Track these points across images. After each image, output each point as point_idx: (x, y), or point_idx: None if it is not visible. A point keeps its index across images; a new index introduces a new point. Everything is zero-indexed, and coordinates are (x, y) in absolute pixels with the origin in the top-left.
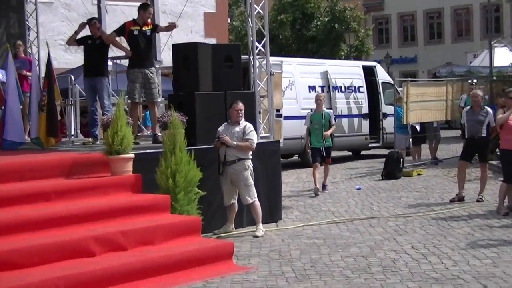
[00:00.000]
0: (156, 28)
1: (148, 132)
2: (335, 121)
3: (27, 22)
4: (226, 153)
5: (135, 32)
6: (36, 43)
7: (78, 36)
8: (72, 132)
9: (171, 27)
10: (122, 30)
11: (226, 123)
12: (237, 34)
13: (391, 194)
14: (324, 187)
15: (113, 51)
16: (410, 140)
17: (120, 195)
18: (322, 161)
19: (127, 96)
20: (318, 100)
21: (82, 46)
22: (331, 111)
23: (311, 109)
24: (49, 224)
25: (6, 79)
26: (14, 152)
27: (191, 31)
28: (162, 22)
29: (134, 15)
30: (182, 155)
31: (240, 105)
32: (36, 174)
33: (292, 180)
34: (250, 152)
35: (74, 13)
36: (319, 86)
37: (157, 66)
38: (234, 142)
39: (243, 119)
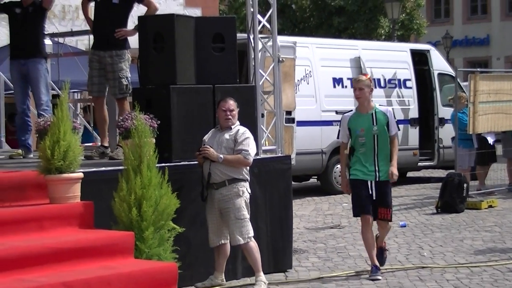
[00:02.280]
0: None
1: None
2: (399, 128)
3: None
4: (211, 171)
5: None
6: None
7: None
8: None
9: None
10: None
11: (214, 129)
12: (231, 3)
13: (450, 234)
14: (382, 252)
15: (54, 26)
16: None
17: (63, 231)
18: (376, 212)
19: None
20: (358, 89)
21: (6, 16)
22: (390, 109)
23: (351, 110)
24: None
25: None
26: None
27: None
28: None
29: None
30: (151, 175)
31: (231, 103)
32: None
33: (308, 213)
34: (246, 170)
35: None
36: (348, 78)
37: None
38: (221, 155)
39: (237, 122)
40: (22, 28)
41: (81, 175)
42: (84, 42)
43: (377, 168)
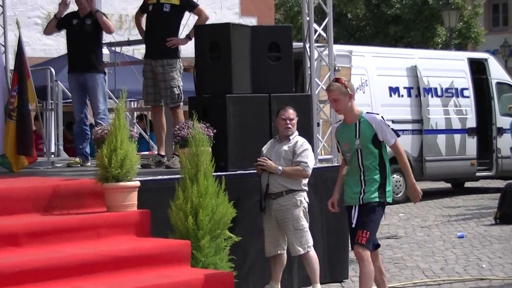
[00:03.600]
0: (186, 5)
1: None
2: (398, 134)
3: None
4: (270, 182)
5: (150, 8)
6: (2, 21)
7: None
8: (52, 149)
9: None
10: (144, 6)
11: (272, 139)
12: (286, 12)
13: (509, 245)
14: None
15: (112, 36)
16: None
17: (120, 239)
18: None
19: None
20: (333, 100)
21: (64, 30)
22: (378, 117)
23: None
24: (18, 279)
25: None
26: None
27: (222, 7)
28: None
29: None
30: (208, 184)
31: (290, 112)
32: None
33: None
34: (304, 182)
35: None
36: (405, 87)
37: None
38: (280, 167)
39: (296, 133)
40: (78, 40)
41: (138, 183)
42: (141, 51)
43: (362, 189)
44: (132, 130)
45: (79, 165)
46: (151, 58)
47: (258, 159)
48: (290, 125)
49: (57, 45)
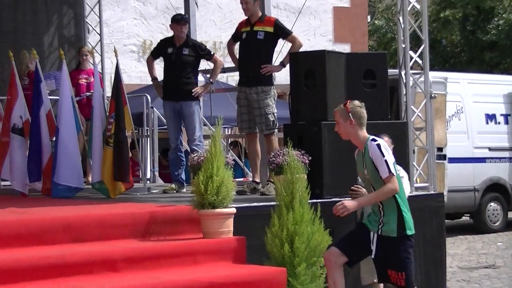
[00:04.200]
0: (279, 32)
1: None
2: (390, 170)
3: (86, 20)
4: (364, 211)
5: (244, 36)
6: (100, 49)
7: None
8: (148, 175)
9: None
10: (237, 34)
11: None
12: (380, 39)
13: None
14: None
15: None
16: None
17: (216, 265)
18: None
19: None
20: (336, 123)
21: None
22: (374, 144)
23: None
24: None
25: (60, 100)
26: (67, 202)
27: (315, 34)
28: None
29: (235, 10)
30: (304, 211)
31: (386, 141)
32: (97, 234)
33: (461, 252)
34: None
35: (150, 8)
36: (502, 114)
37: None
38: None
39: None
40: (175, 68)
41: (233, 210)
42: (235, 78)
43: (381, 219)
44: (228, 157)
45: (174, 191)
46: (246, 86)
47: (352, 187)
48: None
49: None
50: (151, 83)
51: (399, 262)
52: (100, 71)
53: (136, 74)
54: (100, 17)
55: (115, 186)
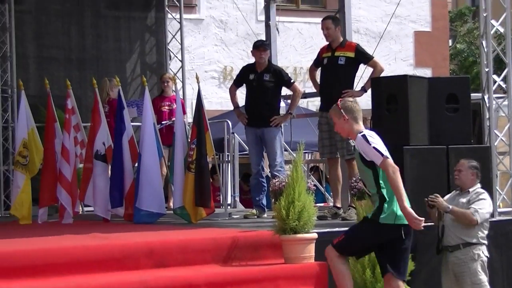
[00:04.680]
0: (360, 57)
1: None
2: (381, 153)
3: (168, 47)
4: (446, 234)
5: (325, 61)
6: (181, 75)
7: (234, 64)
8: (229, 201)
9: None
10: (318, 60)
11: (454, 191)
12: (461, 62)
13: None
14: None
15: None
16: None
17: None
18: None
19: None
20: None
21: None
22: (360, 135)
23: None
24: None
25: (142, 126)
26: (149, 227)
27: (396, 59)
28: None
29: (315, 35)
30: None
31: (460, 164)
32: (179, 259)
33: None
34: (482, 235)
35: (231, 34)
36: None
37: None
38: (450, 206)
39: (477, 185)
40: (256, 94)
41: (315, 235)
42: (315, 104)
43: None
44: (309, 182)
45: (256, 217)
46: (327, 111)
47: (430, 196)
48: (456, 176)
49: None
50: (231, 108)
51: (350, 230)
52: (182, 98)
53: (217, 100)
54: (181, 43)
55: (197, 212)
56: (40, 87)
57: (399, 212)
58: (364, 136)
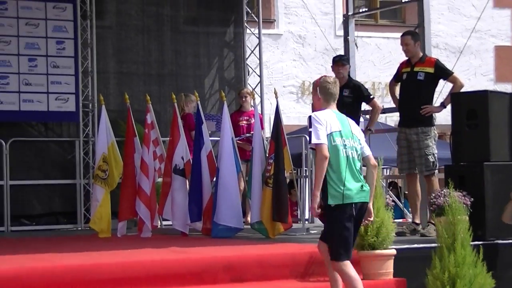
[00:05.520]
0: (440, 73)
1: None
2: (310, 137)
3: (247, 62)
4: None
5: (404, 76)
6: (259, 91)
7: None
8: (307, 216)
9: None
10: (397, 75)
11: None
12: None
13: None
14: None
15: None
16: None
17: None
18: None
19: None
20: None
21: None
22: (316, 113)
23: None
24: None
25: (220, 141)
26: (227, 242)
27: (476, 74)
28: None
29: (394, 50)
30: (465, 254)
31: None
32: (257, 274)
33: None
34: None
35: (309, 49)
36: None
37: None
38: None
39: None
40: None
41: (393, 251)
42: (394, 119)
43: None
44: (387, 198)
45: None
46: (406, 126)
47: None
48: None
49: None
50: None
51: (326, 232)
52: (260, 112)
53: (295, 115)
54: (260, 59)
55: (274, 226)
56: (120, 102)
57: (347, 192)
58: (309, 117)
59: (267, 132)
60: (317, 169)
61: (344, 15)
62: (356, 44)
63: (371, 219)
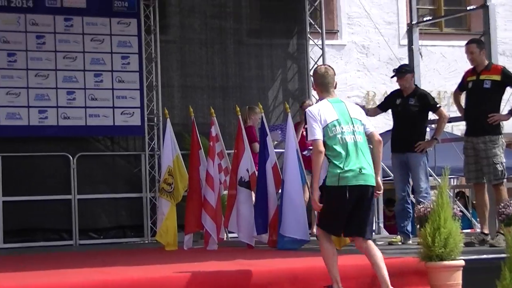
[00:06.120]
0: (507, 80)
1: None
2: (318, 135)
3: (310, 74)
4: None
5: (470, 85)
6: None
7: (377, 89)
8: (373, 227)
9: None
10: (463, 84)
11: None
12: None
13: None
14: None
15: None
16: None
17: None
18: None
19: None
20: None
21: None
22: (311, 108)
23: None
24: None
25: (285, 153)
26: (293, 254)
27: None
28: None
29: (459, 59)
30: None
31: None
32: (323, 286)
33: None
34: None
35: (373, 59)
36: None
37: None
38: None
39: None
40: (402, 119)
41: (462, 262)
42: (460, 128)
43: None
44: (455, 208)
45: (400, 243)
46: (472, 135)
47: None
48: None
49: (376, 123)
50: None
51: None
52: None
53: None
54: None
55: (341, 238)
56: (185, 115)
57: (343, 174)
58: (305, 113)
59: None
60: (313, 164)
61: (408, 24)
62: (420, 53)
63: (380, 192)
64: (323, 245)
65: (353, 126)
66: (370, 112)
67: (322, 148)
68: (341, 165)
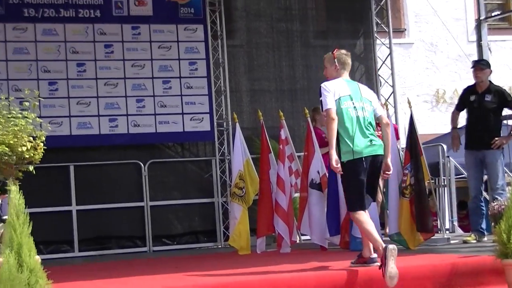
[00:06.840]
0: None
1: None
2: (332, 105)
3: (379, 73)
4: None
5: None
6: (392, 101)
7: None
8: (447, 225)
9: None
10: None
11: None
12: None
13: None
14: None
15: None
16: None
17: None
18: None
19: None
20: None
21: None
22: (325, 83)
23: None
24: None
25: None
26: None
27: None
28: None
29: None
30: None
31: None
32: (398, 286)
33: None
34: None
35: (442, 56)
36: None
37: None
38: None
39: None
40: (478, 116)
41: None
42: None
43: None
44: None
45: (475, 241)
46: None
47: None
48: None
49: (446, 121)
50: (445, 132)
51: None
52: (395, 123)
53: (431, 124)
54: (392, 69)
55: (414, 237)
56: (254, 119)
57: (356, 148)
58: (320, 88)
59: (402, 143)
60: (328, 131)
61: (476, 20)
62: (489, 49)
63: (390, 172)
64: (362, 223)
65: (363, 104)
66: (454, 121)
67: (335, 115)
68: (351, 141)
